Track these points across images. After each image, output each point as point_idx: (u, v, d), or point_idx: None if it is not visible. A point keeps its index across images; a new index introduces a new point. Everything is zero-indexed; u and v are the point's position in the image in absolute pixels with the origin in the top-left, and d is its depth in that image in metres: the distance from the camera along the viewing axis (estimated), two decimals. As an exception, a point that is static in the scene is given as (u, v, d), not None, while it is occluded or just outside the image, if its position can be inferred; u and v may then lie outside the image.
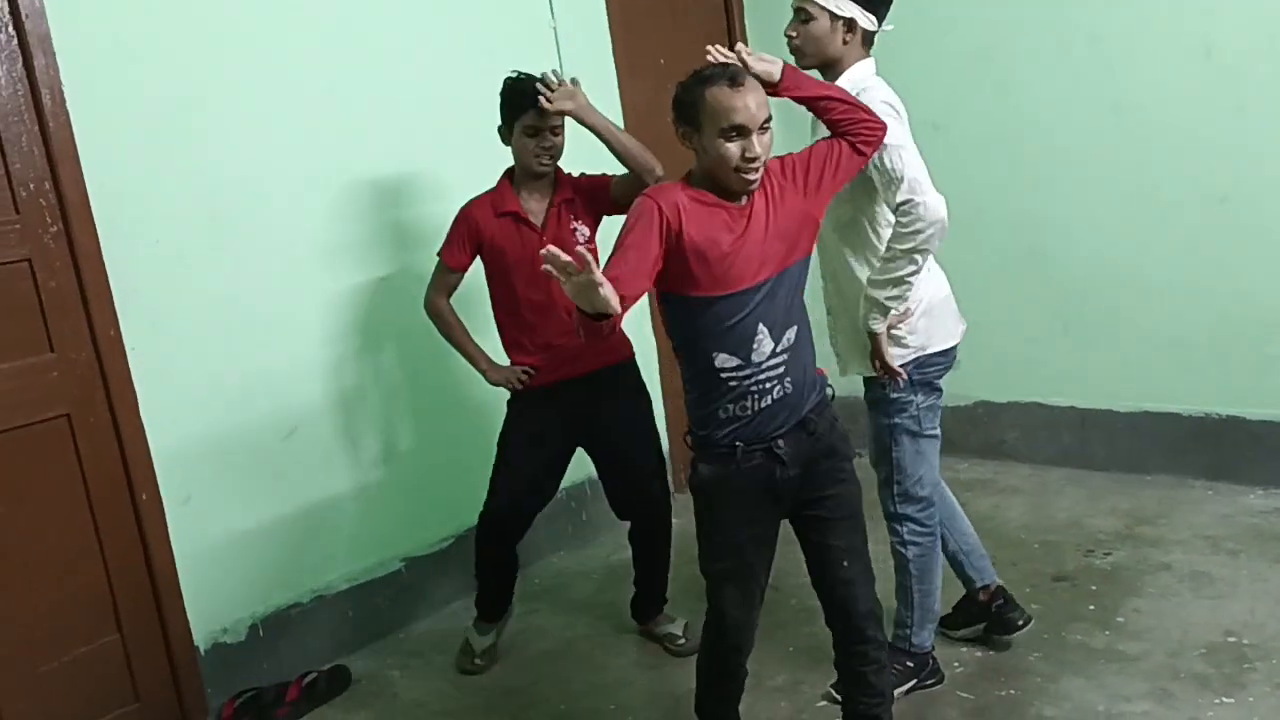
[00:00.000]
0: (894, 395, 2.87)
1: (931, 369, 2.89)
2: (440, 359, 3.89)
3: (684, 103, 2.30)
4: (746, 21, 5.01)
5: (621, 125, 4.44)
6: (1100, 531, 3.88)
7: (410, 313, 3.78)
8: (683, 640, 3.43)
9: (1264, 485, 4.01)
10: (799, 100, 2.47)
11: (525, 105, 3.12)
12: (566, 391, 3.26)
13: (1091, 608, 3.37)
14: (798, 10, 2.80)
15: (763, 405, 2.35)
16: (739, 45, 2.45)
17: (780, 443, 2.36)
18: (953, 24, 4.35)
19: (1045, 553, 3.76)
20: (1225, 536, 3.70)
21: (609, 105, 4.37)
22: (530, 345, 3.27)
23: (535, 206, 3.25)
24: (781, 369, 2.35)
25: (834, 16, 2.75)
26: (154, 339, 3.18)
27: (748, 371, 2.33)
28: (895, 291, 2.70)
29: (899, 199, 2.65)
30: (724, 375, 2.33)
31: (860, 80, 2.75)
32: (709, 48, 2.43)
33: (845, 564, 2.44)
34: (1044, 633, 3.24)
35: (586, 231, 3.26)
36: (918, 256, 2.66)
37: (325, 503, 3.61)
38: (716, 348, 2.33)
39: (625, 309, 2.12)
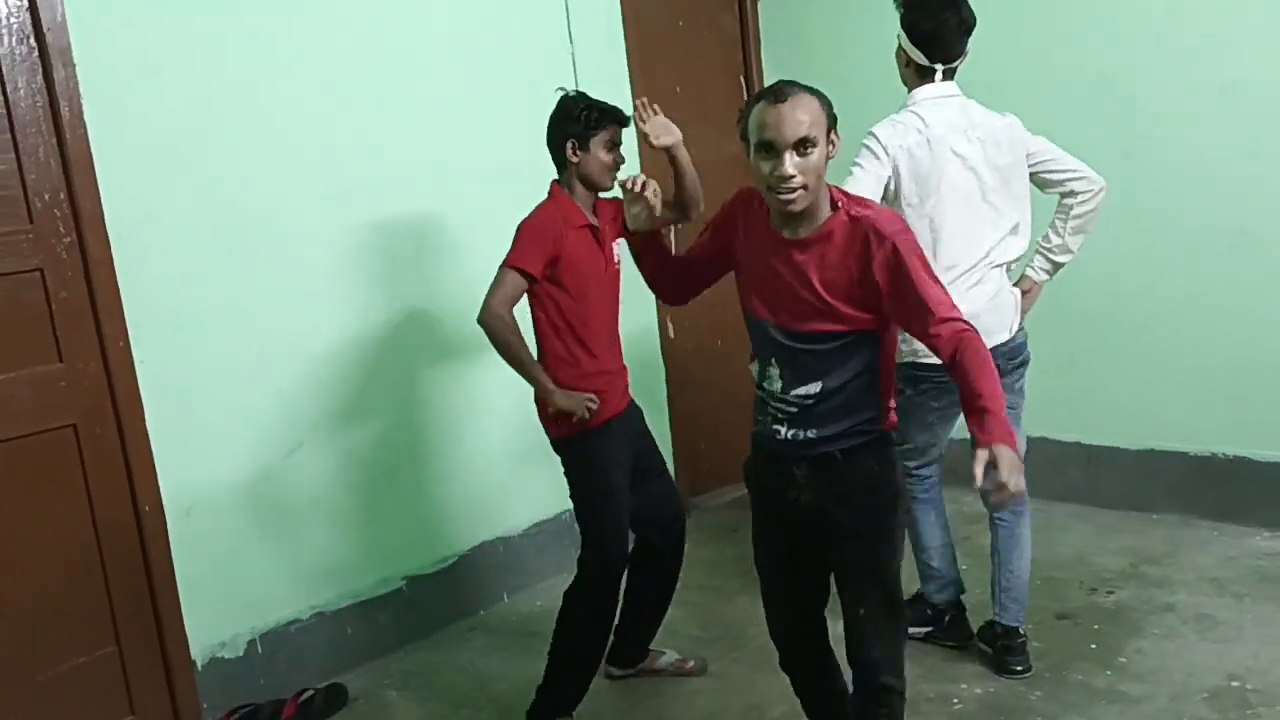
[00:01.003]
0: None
1: (921, 373, 3.09)
2: (448, 378, 3.91)
3: (741, 118, 2.26)
4: (763, 55, 5.04)
5: (636, 149, 4.49)
6: (1105, 569, 3.86)
7: (419, 331, 3.81)
8: (692, 662, 3.41)
9: (1270, 527, 3.98)
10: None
11: (609, 120, 3.07)
12: (622, 425, 3.14)
13: (1094, 647, 3.34)
14: None
15: (776, 432, 2.34)
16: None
17: (795, 469, 2.34)
18: (971, 60, 4.37)
19: (1049, 589, 3.74)
20: (1231, 579, 3.68)
21: (626, 132, 4.37)
22: (588, 367, 3.06)
23: (598, 223, 3.16)
24: (794, 413, 2.29)
25: (900, 46, 3.15)
26: (163, 351, 3.19)
27: (762, 393, 2.38)
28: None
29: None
30: (757, 383, 2.40)
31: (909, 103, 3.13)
32: None
33: (861, 612, 2.37)
34: (1046, 671, 3.22)
35: (619, 254, 3.20)
36: None
37: (328, 519, 3.61)
38: (754, 352, 2.40)
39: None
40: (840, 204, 2.25)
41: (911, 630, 3.27)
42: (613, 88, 4.36)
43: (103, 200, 3.05)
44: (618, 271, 3.15)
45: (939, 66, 3.08)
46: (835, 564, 2.41)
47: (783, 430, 2.32)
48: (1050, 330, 4.37)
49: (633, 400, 3.24)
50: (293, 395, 3.51)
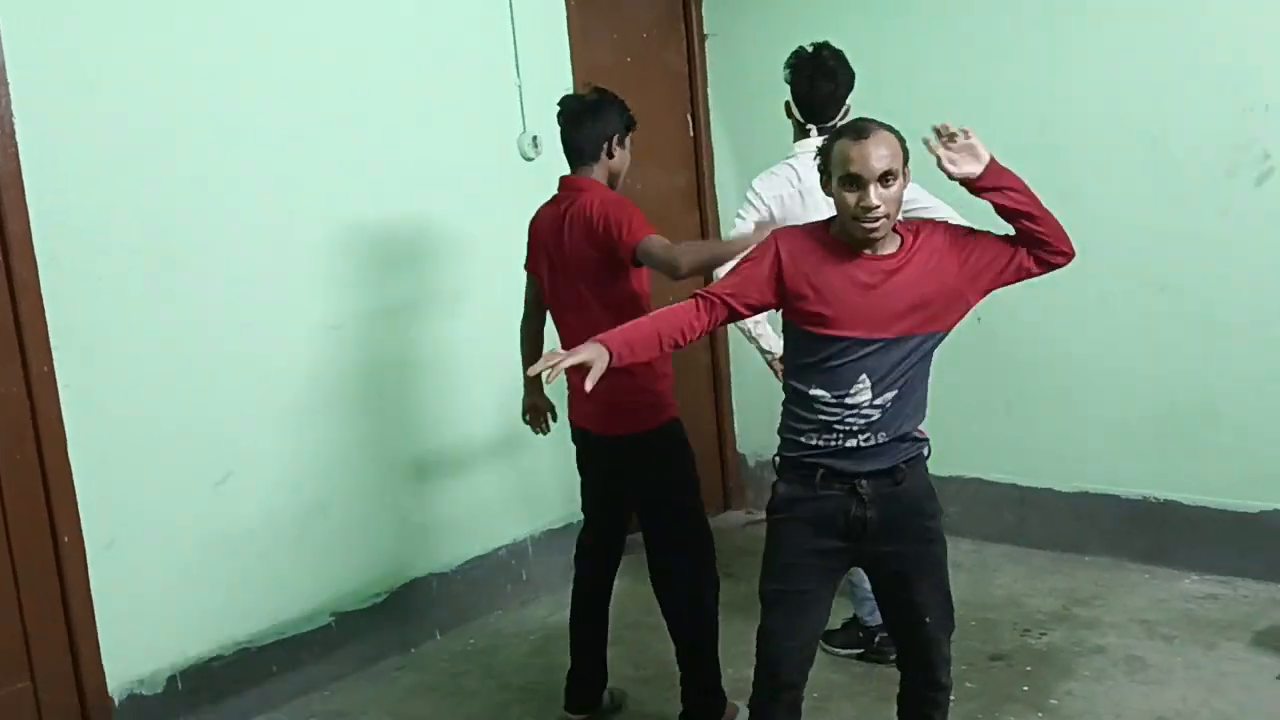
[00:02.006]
0: None
1: None
2: (384, 411, 3.86)
3: (822, 152, 2.41)
4: (710, 92, 5.08)
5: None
6: (1037, 611, 3.88)
7: (355, 364, 3.76)
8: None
9: (1199, 571, 4.04)
10: (999, 207, 2.39)
11: (633, 122, 3.14)
12: None
13: (1026, 689, 3.36)
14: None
15: (848, 444, 2.40)
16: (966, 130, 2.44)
17: (864, 482, 2.40)
18: (909, 103, 4.43)
19: (982, 630, 3.75)
20: (1160, 621, 3.72)
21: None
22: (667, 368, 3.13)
23: None
24: (876, 419, 2.39)
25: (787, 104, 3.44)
26: (89, 377, 3.12)
27: (837, 410, 2.39)
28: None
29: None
30: (817, 406, 2.41)
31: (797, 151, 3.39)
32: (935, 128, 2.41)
33: (928, 620, 2.48)
34: (979, 713, 3.22)
35: None
36: None
37: (255, 552, 3.52)
38: (815, 381, 2.40)
39: (709, 325, 2.42)
40: (900, 224, 2.43)
41: (843, 651, 3.63)
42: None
43: (31, 221, 2.99)
44: None
45: (812, 127, 3.37)
46: (896, 576, 2.49)
47: (861, 436, 2.39)
48: (986, 376, 4.44)
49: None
50: (223, 424, 3.43)
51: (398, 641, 3.93)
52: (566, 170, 3.14)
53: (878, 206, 2.30)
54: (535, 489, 4.33)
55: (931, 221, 2.49)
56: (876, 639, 3.56)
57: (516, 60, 4.23)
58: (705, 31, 5.06)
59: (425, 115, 3.93)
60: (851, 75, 3.41)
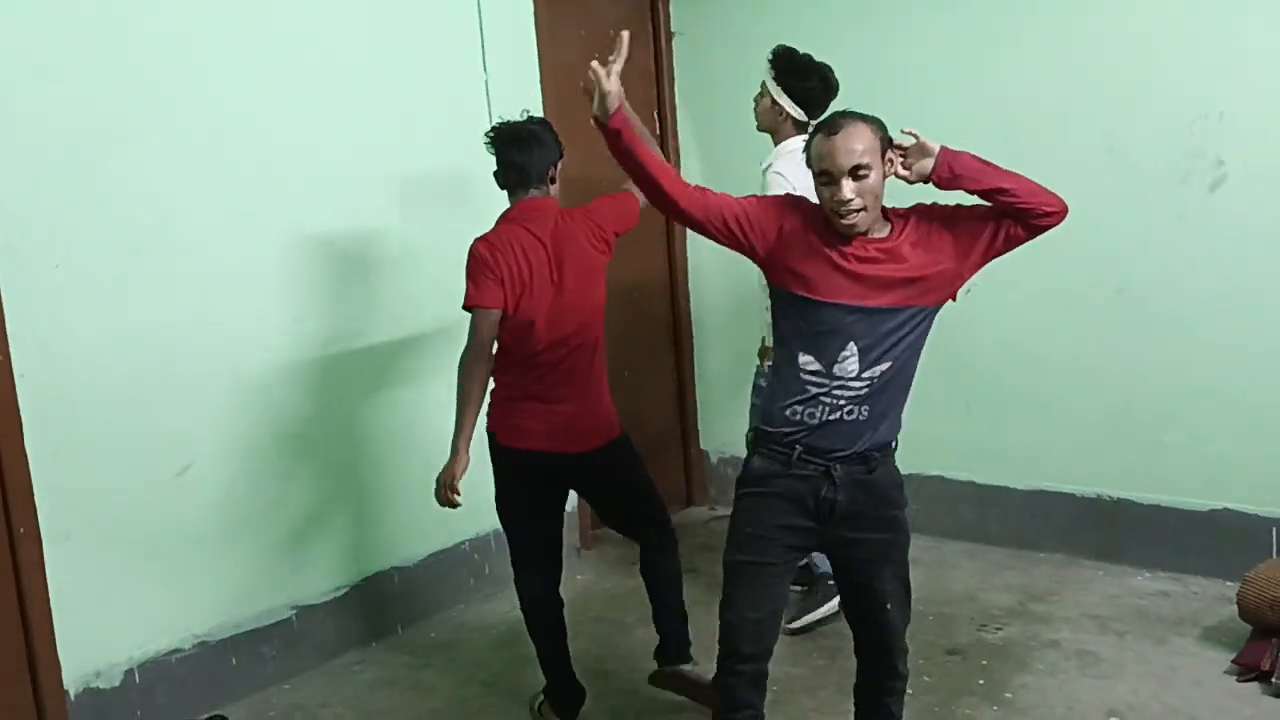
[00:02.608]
0: None
1: None
2: (346, 403, 3.85)
3: (805, 149, 2.49)
4: (676, 91, 5.09)
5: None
6: (993, 606, 3.94)
7: (316, 355, 3.74)
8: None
9: (1151, 568, 4.11)
10: (967, 192, 2.48)
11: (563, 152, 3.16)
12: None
13: (981, 682, 3.40)
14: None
15: (830, 418, 2.43)
16: (911, 132, 2.49)
17: (838, 465, 2.45)
18: (870, 106, 4.46)
19: (939, 625, 3.80)
20: (1112, 616, 3.78)
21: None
22: None
23: None
24: (863, 393, 2.43)
25: (774, 100, 3.62)
26: (47, 366, 3.08)
27: (825, 381, 2.42)
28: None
29: None
30: (804, 376, 2.44)
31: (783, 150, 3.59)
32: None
33: (889, 607, 2.53)
34: (935, 706, 3.27)
35: None
36: None
37: (214, 544, 3.50)
38: (803, 347, 2.44)
39: (687, 204, 2.44)
40: (893, 210, 2.47)
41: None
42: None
43: (-11, 209, 2.95)
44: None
45: (812, 122, 3.36)
46: (860, 563, 2.53)
47: (845, 409, 2.43)
48: (946, 376, 4.47)
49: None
50: (183, 416, 3.41)
51: (359, 635, 3.92)
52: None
53: (850, 200, 2.34)
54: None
55: (921, 205, 2.53)
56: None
57: (484, 56, 4.22)
58: (673, 30, 5.08)
59: (391, 109, 3.92)
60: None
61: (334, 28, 3.76)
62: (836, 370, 2.41)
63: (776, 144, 3.71)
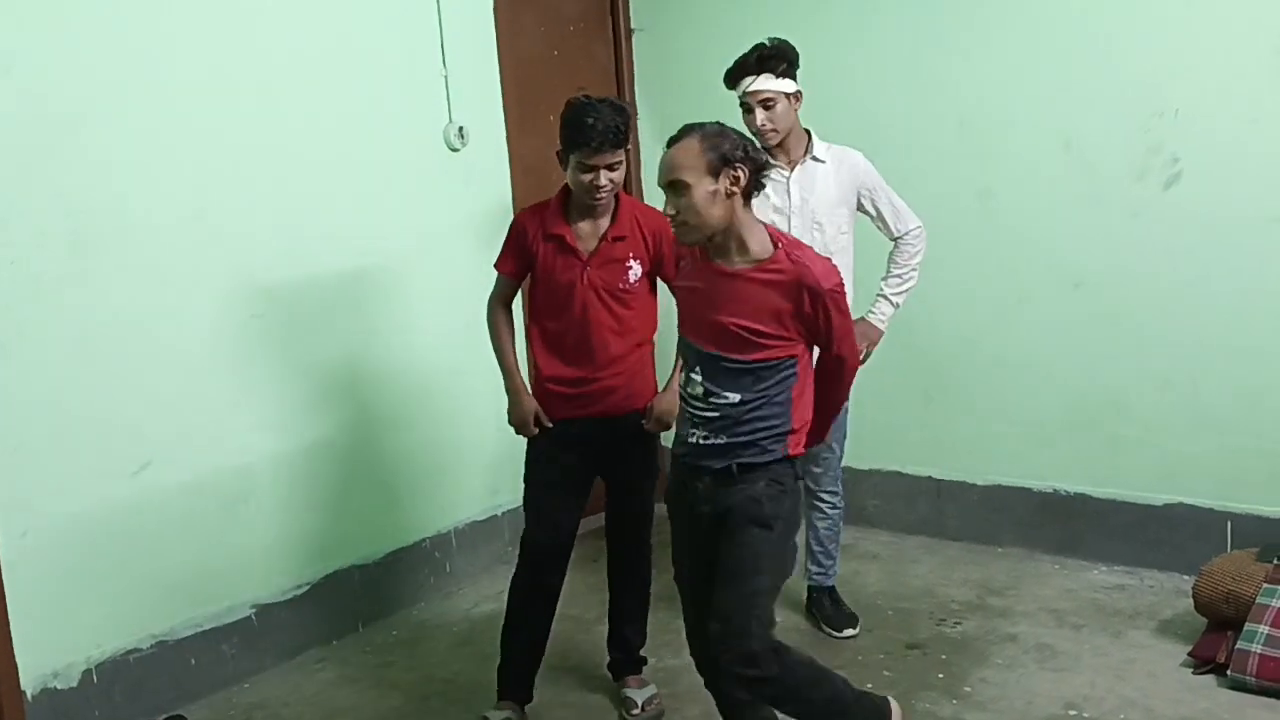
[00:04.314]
0: None
1: None
2: (306, 400, 3.82)
3: None
4: (636, 87, 5.09)
5: (508, 177, 4.48)
6: (952, 600, 3.97)
7: (277, 351, 3.72)
8: (639, 711, 3.26)
9: (1107, 562, 4.16)
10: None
11: (578, 141, 2.94)
12: (585, 428, 3.16)
13: (941, 676, 3.43)
14: (763, 101, 3.43)
15: (690, 437, 2.53)
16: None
17: (706, 478, 2.52)
18: (829, 103, 4.50)
19: (899, 620, 3.83)
20: (1069, 610, 3.83)
21: (497, 156, 4.39)
22: (557, 372, 3.15)
23: (587, 231, 3.10)
24: (714, 418, 2.48)
25: (787, 95, 3.45)
26: (2, 363, 3.04)
27: (688, 400, 2.54)
28: (906, 297, 3.66)
29: (909, 226, 3.57)
30: (685, 390, 2.58)
31: (821, 141, 3.57)
32: None
33: (712, 625, 2.50)
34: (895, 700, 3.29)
35: (639, 270, 3.11)
36: (920, 267, 3.60)
37: (173, 543, 3.47)
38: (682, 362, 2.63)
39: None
40: (780, 244, 2.47)
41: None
42: (486, 115, 4.36)
43: (-60, 204, 2.91)
44: (620, 290, 3.09)
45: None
46: (714, 574, 2.54)
47: (700, 432, 2.51)
48: (904, 371, 4.52)
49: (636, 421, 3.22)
50: (141, 413, 3.37)
51: (319, 633, 3.89)
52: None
53: (672, 215, 2.41)
54: (458, 481, 4.33)
55: (823, 262, 2.50)
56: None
57: (443, 50, 4.20)
58: (633, 26, 5.07)
59: (349, 103, 3.89)
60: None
61: (291, 23, 3.73)
62: (688, 390, 2.54)
63: (800, 138, 3.54)
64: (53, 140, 3.14)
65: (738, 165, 2.39)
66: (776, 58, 3.42)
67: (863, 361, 3.51)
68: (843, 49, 4.48)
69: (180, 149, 3.43)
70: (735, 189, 2.40)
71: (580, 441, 3.17)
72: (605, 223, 3.10)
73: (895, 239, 3.61)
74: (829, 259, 2.62)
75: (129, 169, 3.31)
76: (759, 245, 2.46)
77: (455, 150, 4.22)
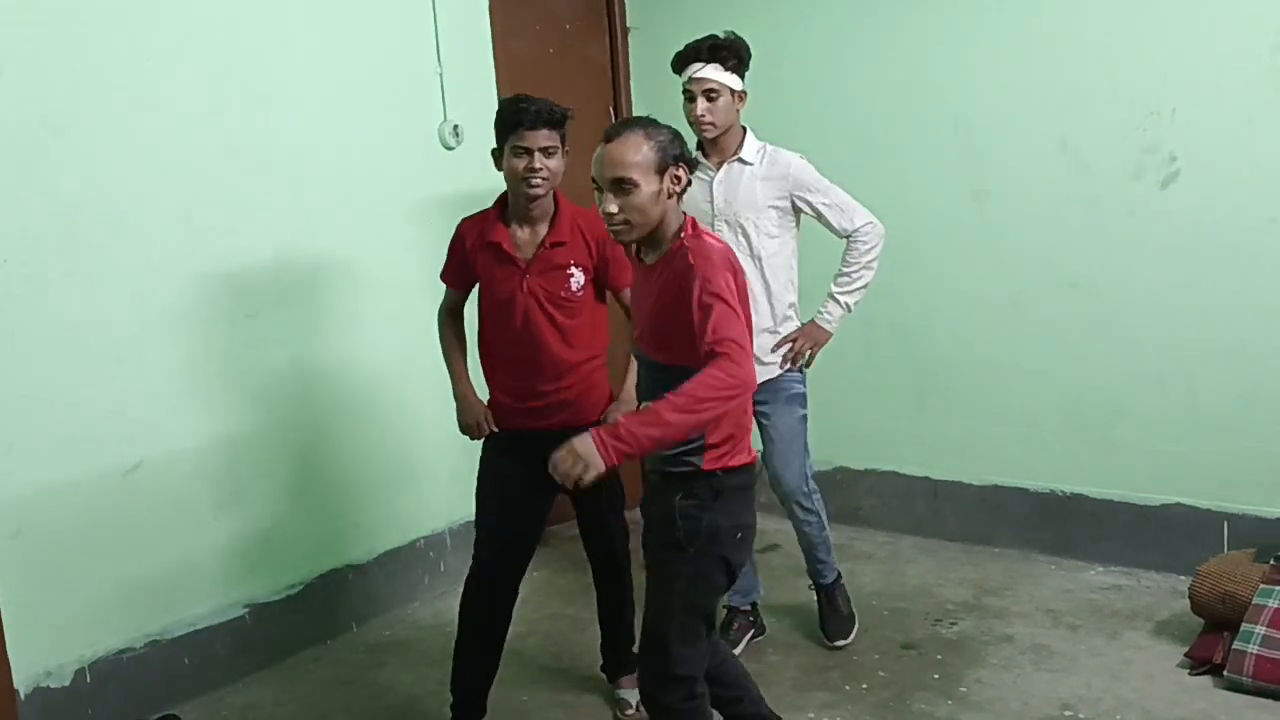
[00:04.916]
0: (803, 390, 3.52)
1: None
2: (301, 399, 3.81)
3: None
4: (633, 86, 5.08)
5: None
6: (948, 601, 3.97)
7: (272, 351, 3.71)
8: (632, 711, 3.26)
9: (1103, 562, 4.15)
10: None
11: (512, 122, 2.87)
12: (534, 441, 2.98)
13: (936, 677, 3.42)
14: (707, 91, 3.32)
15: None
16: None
17: (648, 479, 2.55)
18: (824, 102, 4.49)
19: (895, 620, 3.82)
20: (1066, 611, 3.82)
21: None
22: (504, 383, 3.09)
23: (525, 238, 3.00)
24: None
25: (733, 91, 3.33)
26: (-7, 362, 3.03)
27: None
28: (860, 296, 3.46)
29: (858, 223, 3.39)
30: None
31: (756, 142, 3.45)
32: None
33: (641, 637, 2.51)
34: (890, 701, 3.28)
35: (582, 278, 3.02)
36: (874, 265, 3.43)
37: (167, 542, 3.46)
38: None
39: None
40: (684, 234, 2.36)
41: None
42: (481, 114, 4.33)
43: (-68, 201, 2.90)
44: (563, 299, 3.00)
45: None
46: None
47: None
48: (901, 371, 4.52)
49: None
50: (134, 412, 3.36)
51: (313, 634, 3.88)
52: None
53: (613, 213, 2.31)
54: (453, 480, 4.31)
55: (706, 246, 2.35)
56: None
57: (438, 49, 4.19)
58: (628, 24, 5.07)
59: (345, 102, 3.89)
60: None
61: (286, 21, 3.71)
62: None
63: (740, 139, 3.42)
64: (43, 140, 3.12)
65: (681, 165, 2.34)
66: (728, 50, 3.33)
67: (808, 364, 3.51)
68: (837, 50, 4.48)
69: (171, 148, 3.41)
70: (676, 189, 2.34)
71: (532, 457, 2.94)
72: (544, 229, 3.00)
73: (846, 237, 3.42)
74: (725, 245, 2.42)
75: (121, 170, 3.29)
76: (672, 236, 2.38)
77: (450, 149, 4.21)
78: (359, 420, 4.00)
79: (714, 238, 2.43)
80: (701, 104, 3.32)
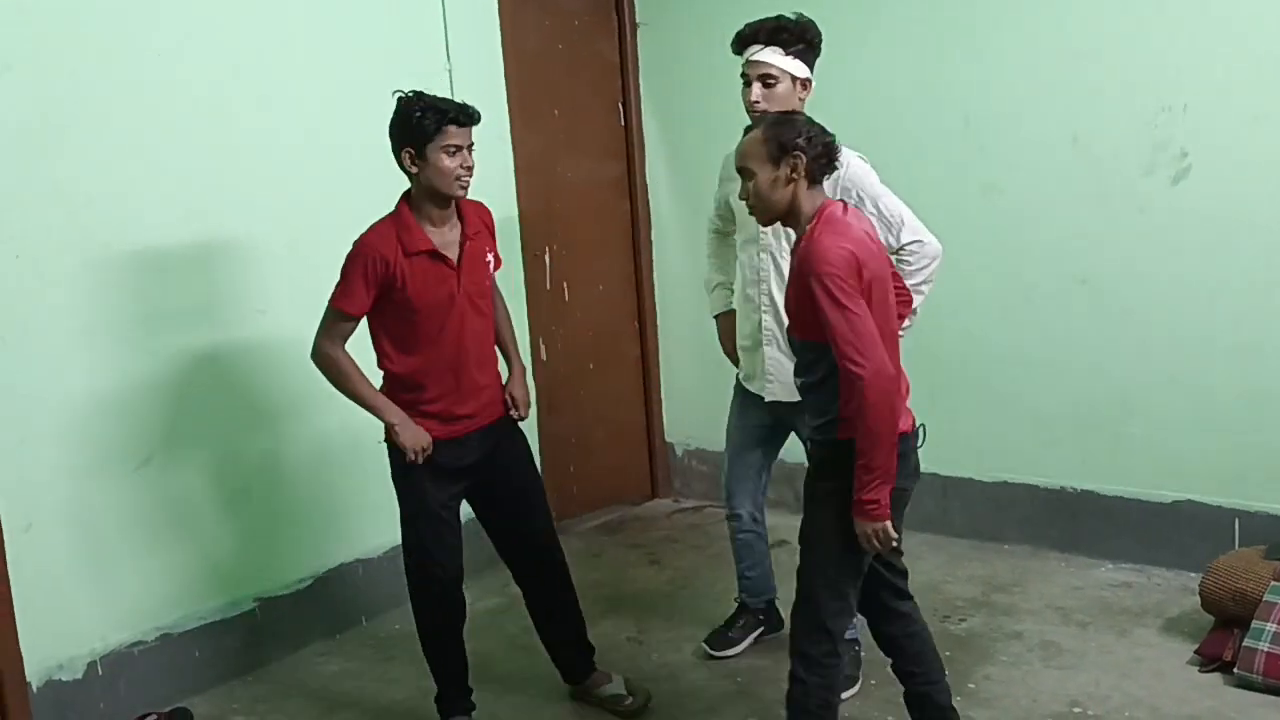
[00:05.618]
0: None
1: None
2: (307, 393, 3.81)
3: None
4: (641, 82, 5.08)
5: (512, 172, 4.47)
6: (957, 598, 3.96)
7: (278, 345, 3.71)
8: (630, 699, 3.27)
9: (1114, 559, 4.14)
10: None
11: (443, 119, 2.80)
12: (464, 449, 3.04)
13: (945, 673, 3.41)
14: (763, 77, 3.09)
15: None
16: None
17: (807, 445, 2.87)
18: (835, 98, 4.48)
19: (904, 617, 3.82)
20: (1075, 608, 3.81)
21: (501, 153, 4.38)
22: (427, 404, 2.96)
23: (447, 239, 2.92)
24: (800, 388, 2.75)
25: (794, 79, 3.12)
26: (7, 358, 3.05)
27: None
28: (909, 323, 3.05)
29: (905, 240, 3.06)
30: None
31: None
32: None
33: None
34: (898, 697, 3.26)
35: (493, 263, 3.05)
36: (925, 288, 3.10)
37: (177, 536, 3.48)
38: None
39: None
40: (816, 220, 2.53)
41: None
42: (490, 110, 4.32)
43: (-56, 196, 2.91)
44: (486, 289, 3.04)
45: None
46: None
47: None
48: (910, 367, 4.48)
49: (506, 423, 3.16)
50: (144, 406, 3.38)
51: (322, 627, 3.90)
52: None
53: (744, 199, 2.61)
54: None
55: (819, 244, 2.46)
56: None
57: (447, 45, 4.20)
58: (638, 20, 5.06)
59: (352, 98, 3.88)
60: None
61: (295, 18, 3.72)
62: None
63: None
64: (54, 135, 3.14)
65: (796, 152, 2.50)
66: (790, 33, 3.08)
67: None
68: (849, 44, 4.45)
69: (180, 145, 3.42)
70: (795, 175, 2.51)
71: (458, 467, 3.04)
72: (454, 225, 2.95)
73: (894, 253, 3.10)
74: (840, 238, 2.45)
75: (132, 165, 3.31)
76: (806, 220, 2.56)
77: (460, 145, 4.21)
78: (368, 416, 3.99)
79: (844, 225, 2.52)
80: (756, 89, 3.09)
